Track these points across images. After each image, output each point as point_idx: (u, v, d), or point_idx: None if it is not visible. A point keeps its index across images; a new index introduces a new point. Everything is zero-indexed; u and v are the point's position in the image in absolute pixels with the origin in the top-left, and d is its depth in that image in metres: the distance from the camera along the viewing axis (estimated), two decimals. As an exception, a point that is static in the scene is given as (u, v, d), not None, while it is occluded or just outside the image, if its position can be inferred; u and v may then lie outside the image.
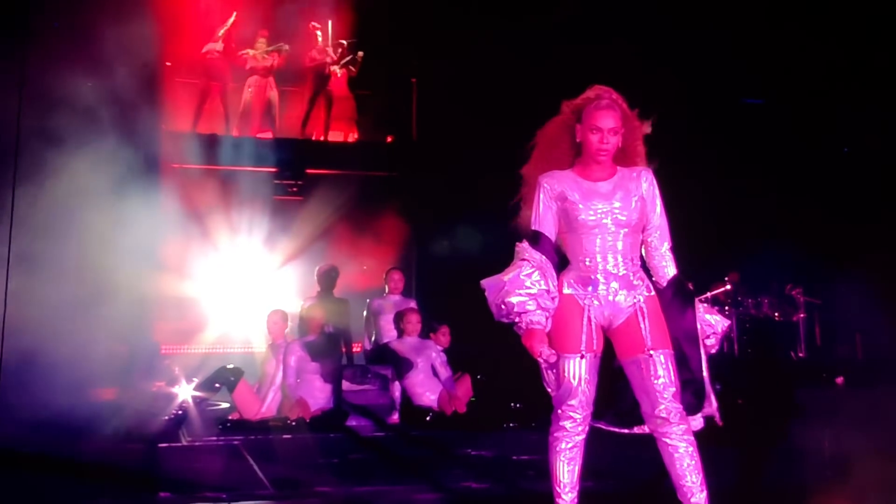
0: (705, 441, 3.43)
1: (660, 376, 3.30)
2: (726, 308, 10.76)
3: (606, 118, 3.40)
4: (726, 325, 3.55)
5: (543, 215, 3.47)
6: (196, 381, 7.34)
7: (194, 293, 10.27)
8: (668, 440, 3.31)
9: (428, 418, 7.26)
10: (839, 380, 9.76)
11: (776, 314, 11.23)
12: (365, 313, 8.48)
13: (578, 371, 3.35)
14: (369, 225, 10.49)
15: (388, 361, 7.74)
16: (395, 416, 7.49)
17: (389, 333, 8.02)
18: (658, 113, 3.60)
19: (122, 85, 9.04)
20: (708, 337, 3.49)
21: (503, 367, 8.51)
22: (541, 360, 3.35)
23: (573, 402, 3.35)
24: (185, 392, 7.19)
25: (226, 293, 10.42)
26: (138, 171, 8.57)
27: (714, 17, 10.39)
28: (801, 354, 11.23)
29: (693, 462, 3.30)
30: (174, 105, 10.32)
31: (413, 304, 8.25)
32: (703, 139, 10.37)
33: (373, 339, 8.34)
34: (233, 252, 10.42)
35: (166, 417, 6.83)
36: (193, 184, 10.04)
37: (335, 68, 11.25)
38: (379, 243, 10.35)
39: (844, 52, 10.58)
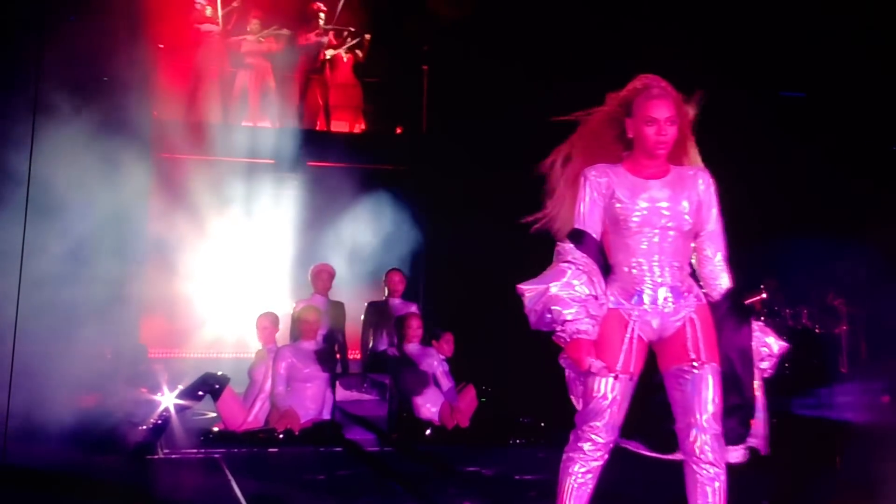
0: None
1: (702, 391, 3.17)
2: (761, 318, 10.52)
3: (661, 108, 3.27)
4: (784, 347, 3.41)
5: (589, 213, 3.32)
6: (180, 387, 7.27)
7: (185, 293, 10.21)
8: (695, 466, 3.18)
9: (427, 432, 7.15)
10: (885, 398, 9.54)
11: (816, 326, 11.01)
12: (362, 317, 8.37)
13: (610, 391, 3.22)
14: (374, 222, 10.36)
15: (386, 370, 7.64)
16: (393, 430, 7.36)
17: (389, 340, 7.91)
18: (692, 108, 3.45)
19: (108, 69, 9.03)
20: (763, 360, 3.37)
21: (512, 377, 8.45)
22: (589, 371, 3.21)
23: (598, 423, 3.21)
24: (166, 400, 7.10)
25: (220, 293, 10.35)
26: (126, 162, 8.50)
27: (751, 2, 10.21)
28: (842, 370, 11.01)
29: (718, 495, 3.16)
30: (166, 91, 10.25)
31: (414, 309, 8.14)
32: (737, 135, 10.16)
33: (370, 345, 8.22)
34: (227, 249, 10.34)
35: (144, 427, 6.73)
36: (185, 175, 9.98)
37: (341, 52, 11.17)
38: (384, 242, 10.22)
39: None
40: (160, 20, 9.85)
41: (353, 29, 11.18)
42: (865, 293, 10.82)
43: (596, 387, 3.21)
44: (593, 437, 3.21)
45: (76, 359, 7.56)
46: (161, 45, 10.35)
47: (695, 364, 3.20)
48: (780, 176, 10.54)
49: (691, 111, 3.41)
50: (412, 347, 7.59)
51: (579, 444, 3.23)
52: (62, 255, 7.84)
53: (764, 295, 10.78)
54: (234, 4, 10.94)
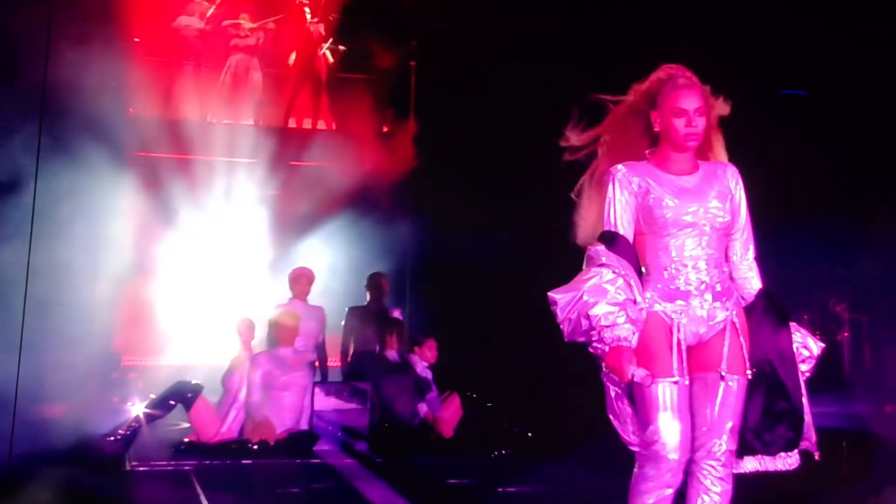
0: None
1: (728, 405, 3.12)
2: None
3: (690, 98, 3.18)
4: (821, 348, 3.36)
5: (621, 213, 3.22)
6: (151, 396, 7.17)
7: (161, 297, 10.07)
8: (702, 476, 3.10)
9: (409, 442, 7.04)
10: (888, 408, 9.45)
11: (817, 333, 10.90)
12: (343, 323, 8.25)
13: (675, 400, 3.09)
14: (359, 224, 10.24)
15: (367, 378, 7.52)
16: (373, 440, 7.23)
17: (370, 346, 7.80)
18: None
19: (80, 63, 8.90)
20: (803, 361, 3.30)
21: (500, 386, 8.35)
22: (630, 382, 3.06)
23: (670, 440, 3.06)
24: (136, 410, 6.98)
25: (196, 298, 10.21)
26: (99, 161, 8.39)
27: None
28: (844, 379, 10.90)
29: None
30: (142, 87, 10.13)
31: (397, 314, 8.05)
32: (738, 133, 10.07)
33: (351, 351, 8.11)
34: (205, 252, 10.21)
35: (112, 439, 6.60)
36: (162, 176, 9.85)
37: (326, 49, 11.06)
38: (369, 245, 10.09)
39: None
40: (136, 12, 9.72)
41: (335, 15, 11.04)
42: (869, 299, 10.74)
43: (657, 397, 3.08)
44: (669, 456, 3.06)
45: (44, 366, 7.45)
46: (137, 39, 10.20)
47: (724, 375, 3.13)
48: (778, 175, 10.44)
49: (722, 105, 3.33)
50: (394, 354, 7.49)
51: (653, 469, 3.08)
52: (28, 262, 7.72)
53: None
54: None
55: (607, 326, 3.01)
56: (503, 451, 6.92)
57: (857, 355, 11.06)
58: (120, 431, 6.69)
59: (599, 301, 3.03)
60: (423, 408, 7.28)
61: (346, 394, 7.56)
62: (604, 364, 3.08)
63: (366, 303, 8.28)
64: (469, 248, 9.20)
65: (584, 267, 3.19)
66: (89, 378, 8.25)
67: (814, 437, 3.25)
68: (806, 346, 3.33)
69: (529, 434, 7.32)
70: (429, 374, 7.42)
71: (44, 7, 7.70)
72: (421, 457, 6.77)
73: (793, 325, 3.32)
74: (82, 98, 8.50)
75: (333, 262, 9.82)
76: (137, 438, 6.71)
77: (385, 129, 11.52)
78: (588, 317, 3.03)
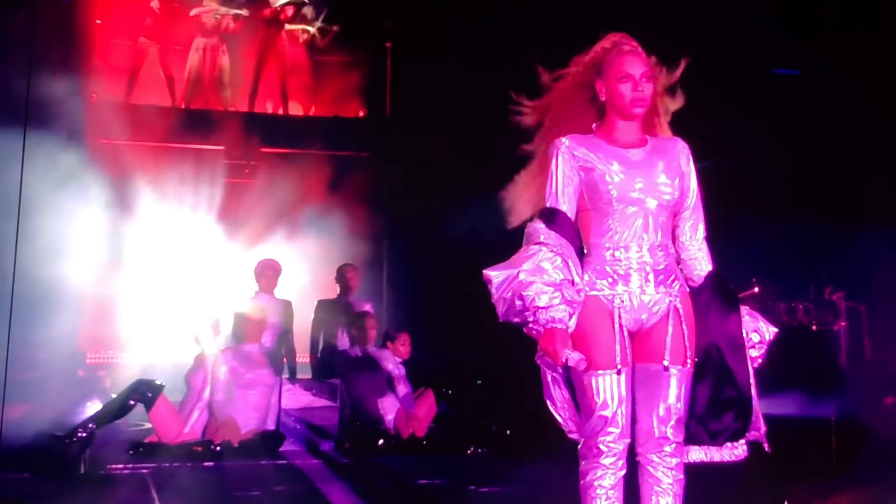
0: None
1: (672, 396, 3.08)
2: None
3: (635, 63, 3.17)
4: (774, 333, 3.33)
5: (562, 188, 3.16)
6: (112, 396, 7.08)
7: (127, 292, 9.97)
8: (652, 469, 3.09)
9: (380, 442, 6.99)
10: (888, 399, 9.41)
11: (813, 322, 10.86)
12: (312, 317, 8.16)
13: (617, 390, 3.05)
14: (333, 213, 10.15)
15: (337, 374, 7.45)
16: (343, 439, 7.19)
17: (340, 341, 7.74)
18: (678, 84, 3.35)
19: (39, 46, 8.78)
20: (753, 347, 3.26)
21: (476, 381, 8.29)
22: (555, 369, 3.07)
23: (614, 430, 3.04)
24: (93, 410, 6.89)
25: (162, 291, 10.11)
26: (59, 148, 8.29)
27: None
28: (842, 369, 10.86)
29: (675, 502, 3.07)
30: (104, 71, 10.02)
31: (368, 307, 7.96)
32: (727, 114, 10.01)
33: (320, 347, 8.03)
34: (173, 244, 10.11)
35: (68, 440, 6.50)
36: (126, 163, 9.75)
37: (297, 29, 10.95)
38: (343, 235, 10.01)
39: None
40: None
41: (308, 2, 10.95)
42: (867, 287, 10.69)
43: (598, 388, 3.04)
44: (612, 446, 3.05)
45: (3, 364, 7.36)
46: (98, 21, 10.08)
47: (669, 366, 3.08)
48: (774, 158, 10.38)
49: (670, 74, 3.30)
50: (366, 349, 7.41)
51: (600, 461, 3.06)
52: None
53: (756, 289, 10.63)
54: None
55: (542, 308, 2.97)
56: (479, 450, 6.86)
57: (854, 345, 11.02)
58: (77, 433, 6.61)
59: (535, 281, 2.99)
60: (395, 405, 7.21)
61: (315, 391, 7.51)
62: (538, 347, 3.05)
63: (336, 295, 8.22)
64: (449, 239, 9.14)
65: (523, 244, 3.13)
66: (52, 377, 8.19)
67: (763, 428, 3.22)
68: (757, 330, 3.29)
69: (508, 432, 7.26)
70: (402, 370, 7.35)
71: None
72: (392, 457, 6.74)
73: (745, 308, 3.29)
74: (42, 84, 8.41)
75: (304, 253, 9.74)
76: (95, 440, 6.62)
77: (360, 115, 11.43)
78: (522, 297, 2.99)
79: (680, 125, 3.42)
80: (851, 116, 10.69)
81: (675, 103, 3.35)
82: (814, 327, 10.86)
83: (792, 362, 10.44)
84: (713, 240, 3.36)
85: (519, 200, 3.34)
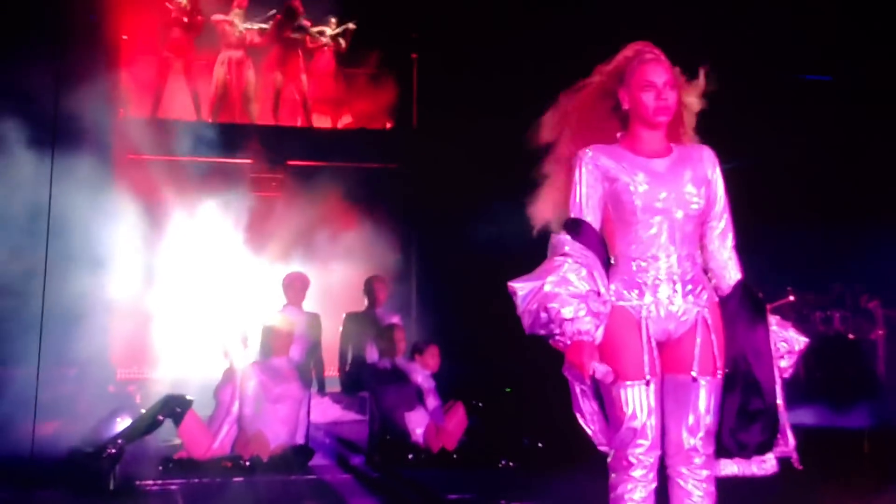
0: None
1: (702, 407, 3.07)
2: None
3: (658, 71, 3.16)
4: (804, 343, 3.29)
5: (587, 199, 3.16)
6: (142, 412, 7.10)
7: (158, 307, 10.01)
8: (682, 482, 3.07)
9: (410, 456, 6.99)
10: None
11: (850, 331, 10.74)
12: (341, 329, 8.16)
13: (646, 401, 3.03)
14: (361, 225, 10.15)
15: (366, 387, 7.44)
16: (373, 453, 7.18)
17: (369, 354, 7.73)
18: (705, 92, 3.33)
19: (66, 63, 8.86)
20: (782, 357, 3.24)
21: (508, 393, 8.25)
22: (584, 381, 3.03)
23: (644, 441, 3.02)
24: (123, 425, 6.91)
25: (191, 305, 10.14)
26: (87, 164, 8.35)
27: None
28: (880, 379, 10.73)
29: None
30: (131, 86, 10.09)
31: (396, 320, 7.95)
32: (758, 121, 9.94)
33: (349, 360, 8.02)
34: (201, 259, 10.14)
35: (98, 456, 6.52)
36: (154, 178, 9.80)
37: (323, 41, 10.98)
38: (371, 247, 10.00)
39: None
40: (124, 8, 9.68)
41: (334, 18, 10.98)
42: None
43: (627, 399, 3.03)
44: (643, 458, 3.03)
45: (35, 380, 7.41)
46: (125, 37, 10.15)
47: (695, 376, 3.07)
48: (808, 165, 10.28)
49: (695, 85, 3.29)
50: (395, 362, 7.41)
51: (630, 473, 3.04)
52: (20, 267, 7.71)
53: (791, 298, 10.53)
54: None
55: (568, 320, 2.96)
56: (510, 464, 6.82)
57: (892, 354, 10.89)
58: (108, 449, 6.63)
59: (560, 293, 2.99)
60: (425, 418, 7.19)
61: (344, 405, 7.50)
62: (565, 360, 3.03)
63: (364, 308, 8.20)
64: (477, 250, 9.11)
65: (547, 256, 3.12)
66: (83, 393, 8.23)
67: (792, 442, 3.18)
68: (786, 339, 3.26)
69: (539, 445, 7.22)
70: (431, 383, 7.34)
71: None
72: (422, 470, 6.73)
73: (775, 318, 3.26)
74: (70, 100, 8.48)
75: (332, 265, 9.73)
76: (125, 456, 6.64)
77: (387, 127, 11.43)
78: (547, 309, 2.98)
79: (708, 131, 3.40)
80: (885, 121, 10.59)
81: (697, 110, 3.33)
82: (850, 336, 10.76)
83: (829, 372, 10.34)
84: (744, 248, 3.33)
85: (544, 211, 3.33)
